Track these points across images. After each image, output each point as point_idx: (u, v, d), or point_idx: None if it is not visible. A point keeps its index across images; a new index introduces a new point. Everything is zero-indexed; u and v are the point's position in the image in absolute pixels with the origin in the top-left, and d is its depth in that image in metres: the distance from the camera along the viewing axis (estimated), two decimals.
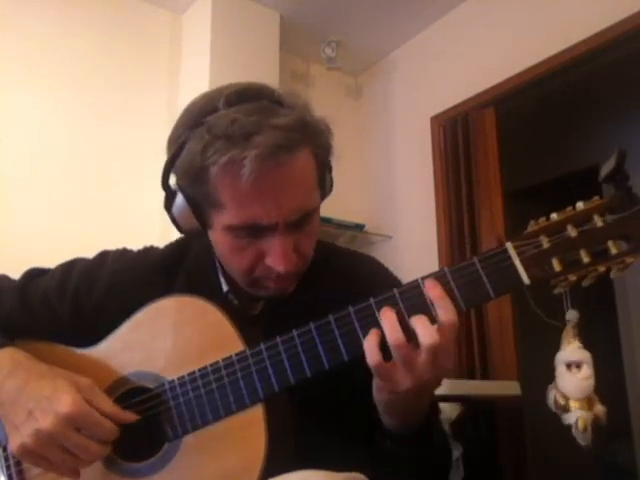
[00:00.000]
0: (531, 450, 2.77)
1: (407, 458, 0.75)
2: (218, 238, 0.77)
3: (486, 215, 2.62)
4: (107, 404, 0.74)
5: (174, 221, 0.78)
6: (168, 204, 0.78)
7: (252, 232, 0.73)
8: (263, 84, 0.77)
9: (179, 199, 0.76)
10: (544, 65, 2.47)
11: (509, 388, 2.33)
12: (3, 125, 2.36)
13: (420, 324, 0.65)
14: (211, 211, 0.74)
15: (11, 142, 2.36)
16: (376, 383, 0.70)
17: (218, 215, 0.74)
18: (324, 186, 0.79)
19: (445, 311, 0.65)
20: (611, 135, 3.22)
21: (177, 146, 0.74)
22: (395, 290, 0.68)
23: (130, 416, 0.75)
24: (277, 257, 0.73)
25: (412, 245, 2.95)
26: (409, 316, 0.66)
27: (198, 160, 0.70)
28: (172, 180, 0.77)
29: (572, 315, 0.64)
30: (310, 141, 0.74)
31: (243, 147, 0.68)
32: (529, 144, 3.33)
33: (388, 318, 0.66)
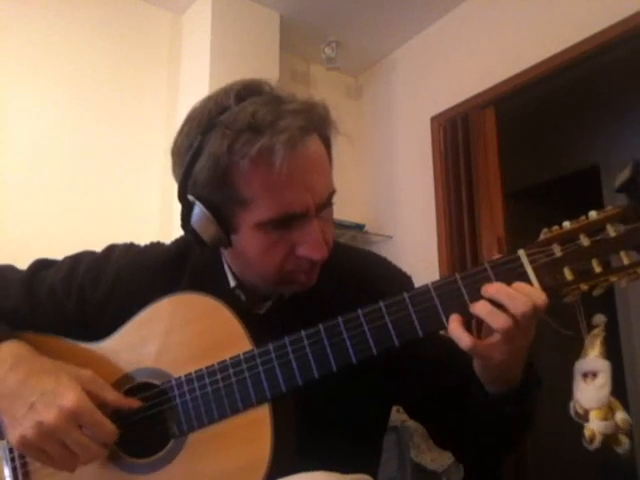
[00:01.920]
0: (531, 449, 2.77)
1: (512, 415, 0.74)
2: (246, 239, 0.75)
3: (486, 215, 2.62)
4: (110, 393, 0.74)
5: (196, 236, 0.75)
6: (185, 219, 0.75)
7: (283, 224, 0.72)
8: (259, 79, 0.77)
9: (197, 210, 0.73)
10: (544, 65, 2.47)
11: None
12: (2, 125, 2.36)
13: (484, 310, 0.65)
14: (238, 212, 0.73)
15: (10, 142, 2.36)
16: (476, 363, 0.71)
17: (246, 214, 0.72)
18: (332, 167, 0.80)
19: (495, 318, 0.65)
20: (611, 135, 3.22)
21: (193, 152, 0.72)
22: (405, 294, 0.68)
23: (133, 402, 0.75)
24: (311, 245, 0.73)
25: (412, 245, 2.95)
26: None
27: (224, 159, 0.69)
28: (189, 192, 0.74)
29: (600, 320, 0.64)
30: (318, 124, 0.75)
31: (271, 134, 0.68)
32: (529, 144, 3.33)
33: (479, 305, 0.66)
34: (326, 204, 0.75)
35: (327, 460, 0.65)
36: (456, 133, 2.81)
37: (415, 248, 2.92)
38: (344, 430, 0.79)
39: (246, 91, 0.73)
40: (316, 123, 0.73)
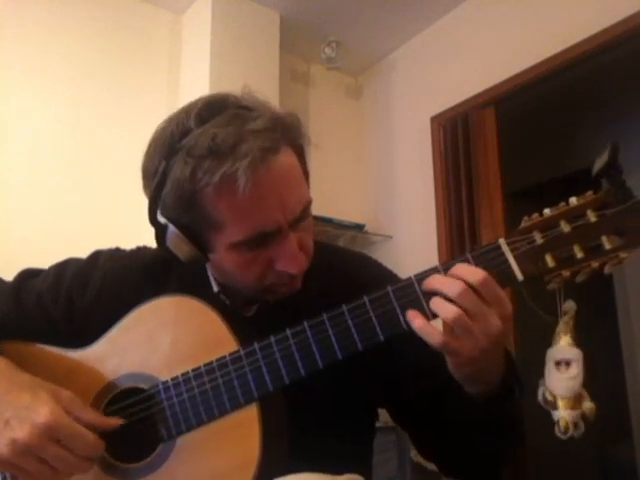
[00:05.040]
0: (531, 450, 2.77)
1: (498, 413, 0.74)
2: (223, 259, 0.75)
3: (486, 215, 2.62)
4: (88, 414, 0.72)
5: (173, 255, 0.75)
6: (161, 239, 0.75)
7: (257, 243, 0.72)
8: (223, 93, 0.76)
9: (171, 231, 0.73)
10: (544, 65, 2.47)
11: None
12: (2, 125, 2.36)
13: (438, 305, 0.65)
14: (211, 234, 0.73)
15: (10, 143, 2.36)
16: (450, 361, 0.70)
17: (219, 236, 0.72)
18: (308, 176, 0.79)
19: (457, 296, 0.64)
20: (611, 135, 3.21)
21: (158, 178, 0.71)
22: (389, 287, 0.68)
23: (114, 422, 0.74)
24: (288, 260, 0.73)
25: (412, 245, 2.95)
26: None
27: (188, 187, 0.69)
28: (159, 214, 0.74)
29: (569, 306, 0.64)
30: (288, 136, 0.73)
31: (232, 160, 0.67)
32: (529, 144, 3.33)
33: (435, 303, 0.65)
34: (301, 217, 0.74)
35: (317, 461, 0.65)
36: (456, 133, 2.81)
37: (415, 248, 2.92)
38: (333, 430, 0.78)
39: (208, 110, 0.72)
40: (282, 139, 0.72)
